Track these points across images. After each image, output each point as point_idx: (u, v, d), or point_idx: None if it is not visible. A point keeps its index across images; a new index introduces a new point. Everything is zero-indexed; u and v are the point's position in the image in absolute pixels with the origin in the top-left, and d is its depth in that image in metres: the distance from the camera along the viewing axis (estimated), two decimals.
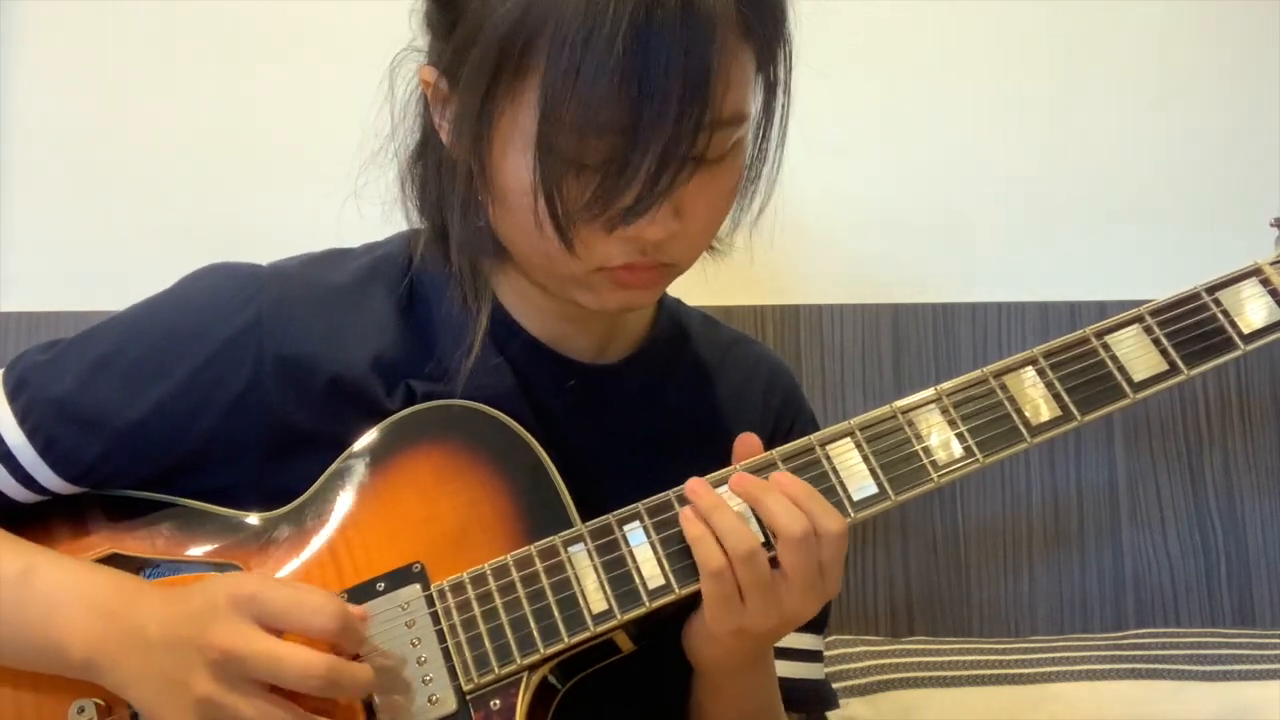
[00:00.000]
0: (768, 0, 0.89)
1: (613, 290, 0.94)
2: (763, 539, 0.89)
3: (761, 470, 0.93)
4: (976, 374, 0.96)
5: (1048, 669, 1.38)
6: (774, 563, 0.88)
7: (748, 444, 0.94)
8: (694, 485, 0.92)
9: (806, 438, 0.95)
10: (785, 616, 0.90)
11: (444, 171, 0.97)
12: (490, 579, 0.93)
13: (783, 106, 0.93)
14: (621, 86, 0.82)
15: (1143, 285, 1.02)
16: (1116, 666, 1.38)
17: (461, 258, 0.99)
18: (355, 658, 0.91)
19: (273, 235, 1.17)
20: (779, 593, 0.89)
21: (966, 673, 1.38)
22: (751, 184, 0.97)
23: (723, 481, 0.93)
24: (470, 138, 0.89)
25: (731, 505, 0.90)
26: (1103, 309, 0.98)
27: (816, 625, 1.11)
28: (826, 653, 1.39)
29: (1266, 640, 1.42)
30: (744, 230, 1.01)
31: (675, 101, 0.83)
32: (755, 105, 0.92)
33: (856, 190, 1.61)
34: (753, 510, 0.90)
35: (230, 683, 0.82)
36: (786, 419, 1.13)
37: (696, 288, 1.08)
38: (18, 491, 0.99)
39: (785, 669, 1.06)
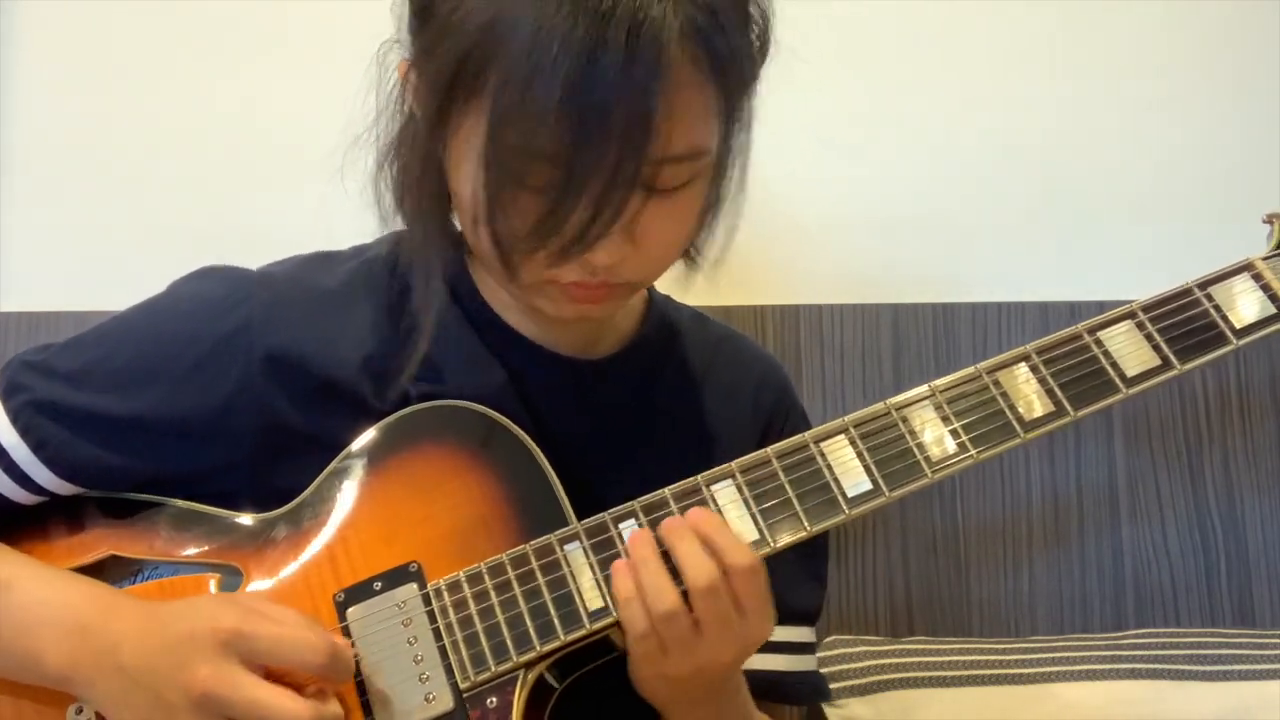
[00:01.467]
0: (725, 35, 0.86)
1: (566, 302, 0.95)
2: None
3: (755, 468, 0.94)
4: (970, 370, 0.96)
5: (1048, 669, 1.38)
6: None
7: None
8: (633, 537, 0.91)
9: (801, 435, 0.95)
10: (700, 662, 0.89)
11: (413, 163, 0.96)
12: (486, 578, 0.93)
13: (740, 150, 0.93)
14: (562, 122, 0.81)
15: (1143, 285, 1.02)
16: (1116, 666, 1.38)
17: (416, 245, 0.98)
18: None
19: (272, 235, 1.17)
20: (695, 642, 0.89)
21: (966, 673, 1.38)
22: (710, 217, 0.96)
23: (717, 479, 0.94)
24: (429, 138, 0.90)
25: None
26: (1102, 309, 0.98)
27: (808, 617, 1.11)
28: (826, 653, 1.40)
29: (1266, 640, 1.41)
30: (710, 256, 1.01)
31: (615, 142, 0.82)
32: (715, 139, 0.90)
33: (856, 190, 1.61)
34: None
35: None
36: (779, 417, 1.13)
37: (697, 287, 1.08)
38: (15, 492, 0.99)
39: (777, 662, 1.07)
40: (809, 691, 1.11)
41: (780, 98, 0.96)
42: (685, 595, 0.88)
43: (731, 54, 0.87)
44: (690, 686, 0.93)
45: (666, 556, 0.89)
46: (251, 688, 0.82)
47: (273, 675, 0.84)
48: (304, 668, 0.84)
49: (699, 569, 0.87)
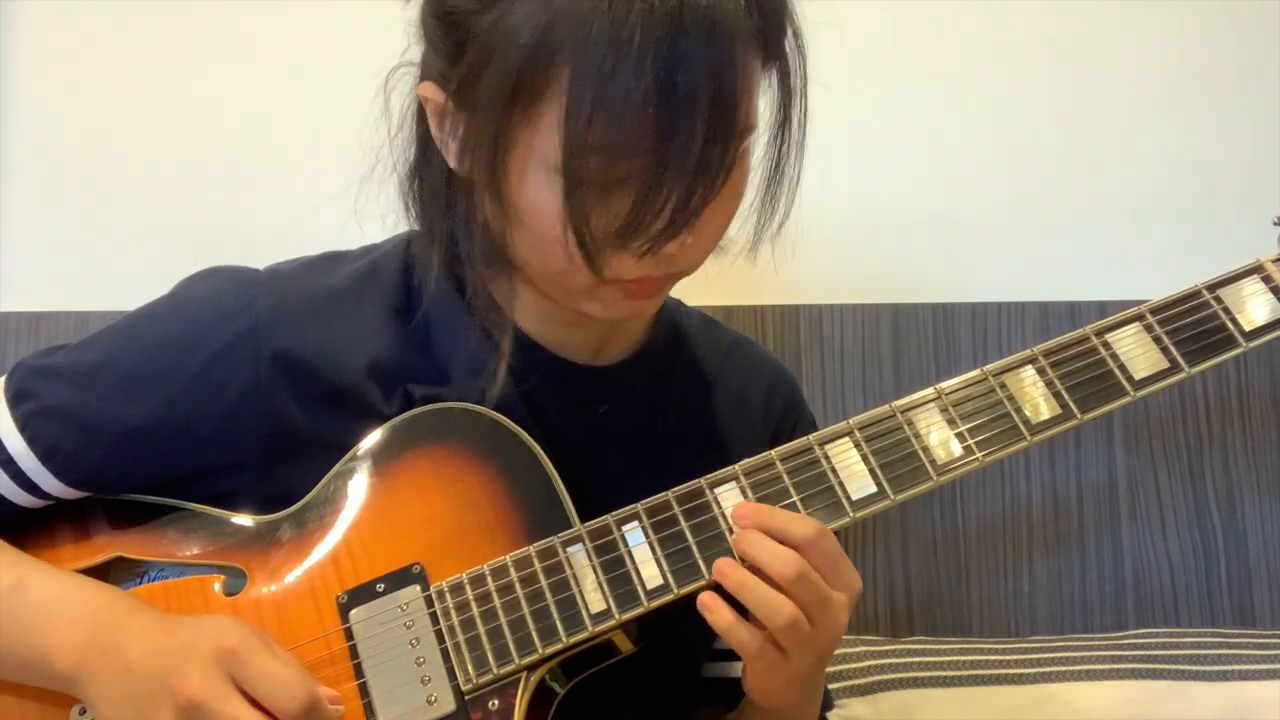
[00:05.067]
0: (780, 14, 0.88)
1: (622, 301, 0.94)
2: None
3: (759, 471, 0.94)
4: (976, 373, 0.96)
5: (1048, 669, 1.38)
6: None
7: None
8: (720, 566, 0.89)
9: (805, 438, 0.95)
10: (820, 646, 0.89)
11: (450, 186, 0.96)
12: (489, 580, 0.93)
13: (799, 118, 0.92)
14: (650, 109, 0.81)
15: (1143, 285, 1.02)
16: (1116, 666, 1.38)
17: (477, 278, 0.98)
18: (355, 662, 0.91)
19: (273, 236, 1.17)
20: (813, 633, 0.88)
21: (966, 673, 1.38)
22: (773, 195, 0.95)
23: (720, 482, 0.93)
24: (486, 160, 0.88)
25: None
26: (1103, 309, 0.98)
27: None
28: None
29: (1266, 640, 1.41)
30: (770, 240, 1.00)
31: (703, 121, 0.82)
32: (768, 116, 0.91)
33: (857, 190, 1.61)
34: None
35: None
36: (788, 422, 1.13)
37: (697, 288, 1.08)
38: (21, 497, 0.99)
39: None
40: None
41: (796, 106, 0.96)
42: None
43: (784, 30, 0.88)
44: (813, 675, 0.94)
45: None
46: (236, 705, 0.82)
47: (259, 705, 0.83)
48: (277, 708, 0.82)
49: (785, 564, 0.87)
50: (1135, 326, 0.96)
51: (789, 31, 0.89)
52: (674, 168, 0.83)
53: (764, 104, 0.91)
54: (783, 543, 0.88)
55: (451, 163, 0.94)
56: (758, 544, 0.88)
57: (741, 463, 0.94)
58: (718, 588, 0.89)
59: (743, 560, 0.89)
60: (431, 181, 0.99)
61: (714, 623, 0.88)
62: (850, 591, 0.90)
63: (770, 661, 0.89)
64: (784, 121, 0.91)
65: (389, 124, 0.99)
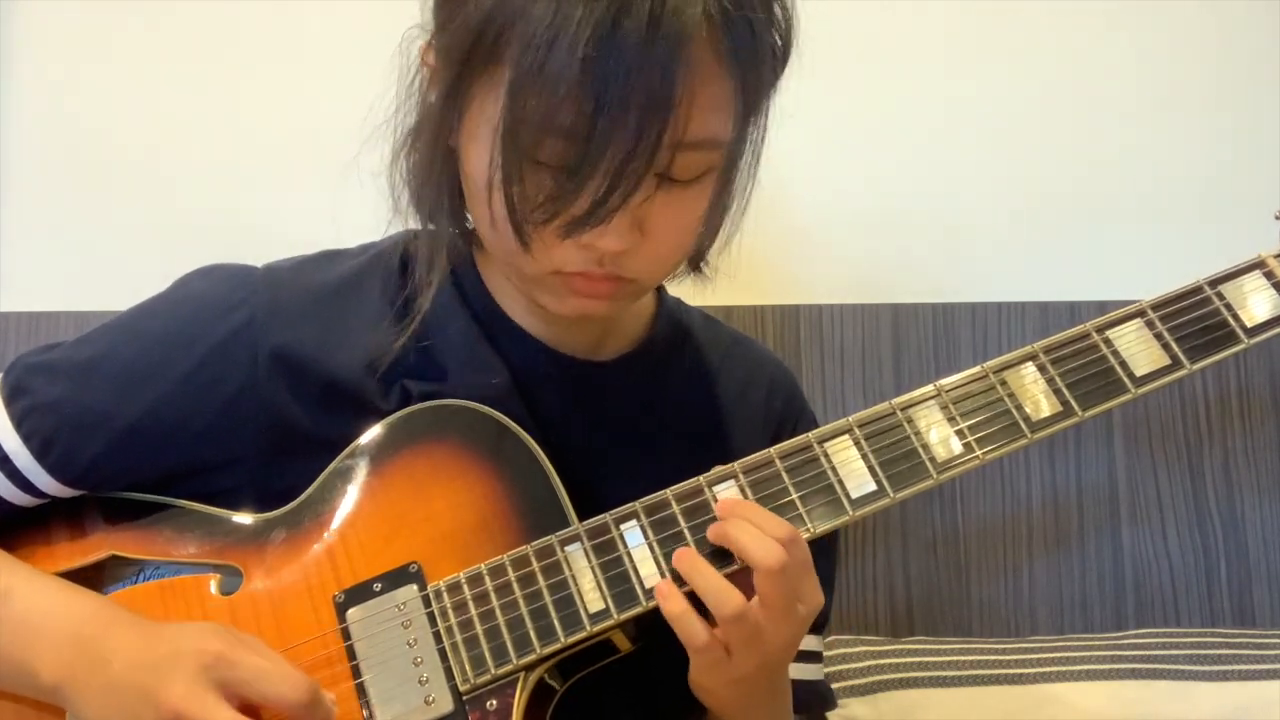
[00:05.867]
0: (750, 29, 0.86)
1: (568, 296, 0.94)
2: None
3: (758, 469, 0.93)
4: (976, 370, 0.95)
5: (1048, 669, 1.38)
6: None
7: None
8: (678, 554, 0.90)
9: (804, 435, 0.94)
10: (769, 648, 0.89)
11: (433, 153, 0.96)
12: (487, 579, 0.93)
13: (754, 140, 0.92)
14: (581, 93, 0.81)
15: (1143, 285, 1.01)
16: (1116, 666, 1.38)
17: (426, 236, 0.98)
18: (352, 662, 0.91)
19: (273, 235, 1.17)
20: (762, 634, 0.88)
21: (966, 673, 1.38)
22: (719, 213, 0.94)
23: (719, 480, 0.93)
24: (443, 119, 0.90)
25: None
26: (1103, 309, 0.98)
27: (816, 626, 1.10)
28: (826, 653, 1.39)
29: (1266, 640, 1.41)
30: (745, 232, 0.99)
31: (634, 115, 0.81)
32: (730, 134, 0.89)
33: (856, 190, 1.61)
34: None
35: None
36: (789, 421, 1.12)
37: (697, 288, 1.08)
38: (16, 495, 0.99)
39: None
40: (815, 701, 1.10)
41: (780, 98, 0.96)
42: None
43: (755, 49, 0.87)
44: (755, 682, 0.93)
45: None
46: (222, 713, 0.81)
47: (248, 711, 0.83)
48: (282, 702, 0.82)
49: (769, 552, 0.86)
50: (1136, 323, 0.95)
51: (761, 45, 0.88)
52: (596, 155, 0.83)
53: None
54: None
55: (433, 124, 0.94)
56: (748, 531, 0.88)
57: (740, 461, 0.94)
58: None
59: (728, 546, 0.89)
60: (421, 149, 0.98)
61: (666, 610, 0.88)
62: (810, 605, 0.89)
63: (714, 659, 0.88)
64: (736, 140, 0.90)
65: (399, 86, 0.98)
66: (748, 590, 0.87)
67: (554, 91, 0.81)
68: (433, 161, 0.95)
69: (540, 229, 0.88)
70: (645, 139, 0.82)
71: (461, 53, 0.86)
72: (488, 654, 0.91)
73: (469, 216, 0.98)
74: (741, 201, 0.95)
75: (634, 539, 0.92)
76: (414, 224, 1.02)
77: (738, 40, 0.85)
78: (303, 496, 0.98)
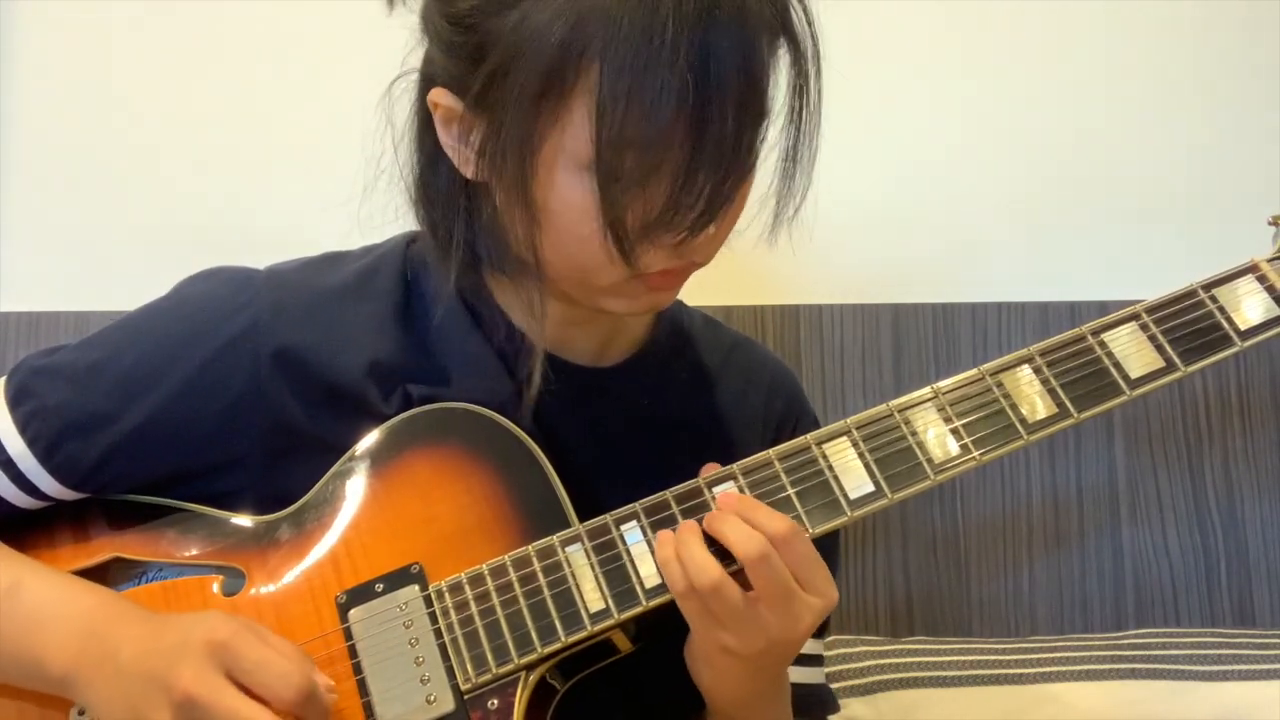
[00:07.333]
0: (805, 9, 0.89)
1: (645, 294, 0.95)
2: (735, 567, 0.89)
3: (757, 470, 0.94)
4: (973, 372, 0.96)
5: (1048, 669, 1.38)
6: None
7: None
8: (662, 535, 0.92)
9: (803, 437, 0.95)
10: (774, 636, 0.89)
11: (464, 192, 0.96)
12: (488, 579, 0.93)
13: (815, 97, 0.92)
14: (686, 101, 0.82)
15: (1143, 285, 1.02)
16: (1116, 666, 1.38)
17: (519, 280, 0.97)
18: (354, 661, 0.92)
19: (273, 237, 1.17)
20: (758, 614, 0.88)
21: (966, 673, 1.38)
22: (790, 176, 0.95)
23: (718, 481, 0.94)
24: (513, 162, 0.88)
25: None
26: (1103, 309, 0.98)
27: (817, 630, 1.10)
28: (826, 653, 1.39)
29: (1266, 640, 1.41)
30: (788, 227, 0.99)
31: (734, 109, 0.83)
32: (781, 104, 0.91)
33: (856, 190, 1.61)
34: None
35: None
36: (789, 422, 1.13)
37: (697, 288, 1.08)
38: (20, 498, 0.99)
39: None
40: (816, 704, 1.10)
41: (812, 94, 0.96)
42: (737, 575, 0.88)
43: (802, 15, 0.89)
44: (758, 674, 0.93)
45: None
46: (232, 698, 0.82)
47: (256, 696, 0.83)
48: (274, 696, 0.83)
49: (748, 541, 0.87)
50: (1131, 326, 0.96)
51: (801, 12, 0.90)
52: (709, 156, 0.84)
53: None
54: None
55: (466, 169, 0.93)
56: (730, 523, 0.89)
57: (740, 462, 0.94)
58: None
59: (717, 539, 0.89)
60: (441, 188, 0.98)
61: (658, 555, 0.90)
62: (824, 599, 0.90)
63: (702, 612, 0.89)
64: (800, 103, 0.91)
65: (393, 133, 0.99)
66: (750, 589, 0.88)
67: (655, 106, 0.81)
68: (466, 200, 0.96)
69: (651, 246, 0.89)
70: (746, 131, 0.85)
71: (529, 95, 0.84)
72: (489, 653, 0.91)
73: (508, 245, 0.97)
74: (811, 156, 0.94)
75: (634, 539, 0.93)
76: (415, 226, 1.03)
77: (786, 9, 0.87)
78: (305, 498, 0.98)
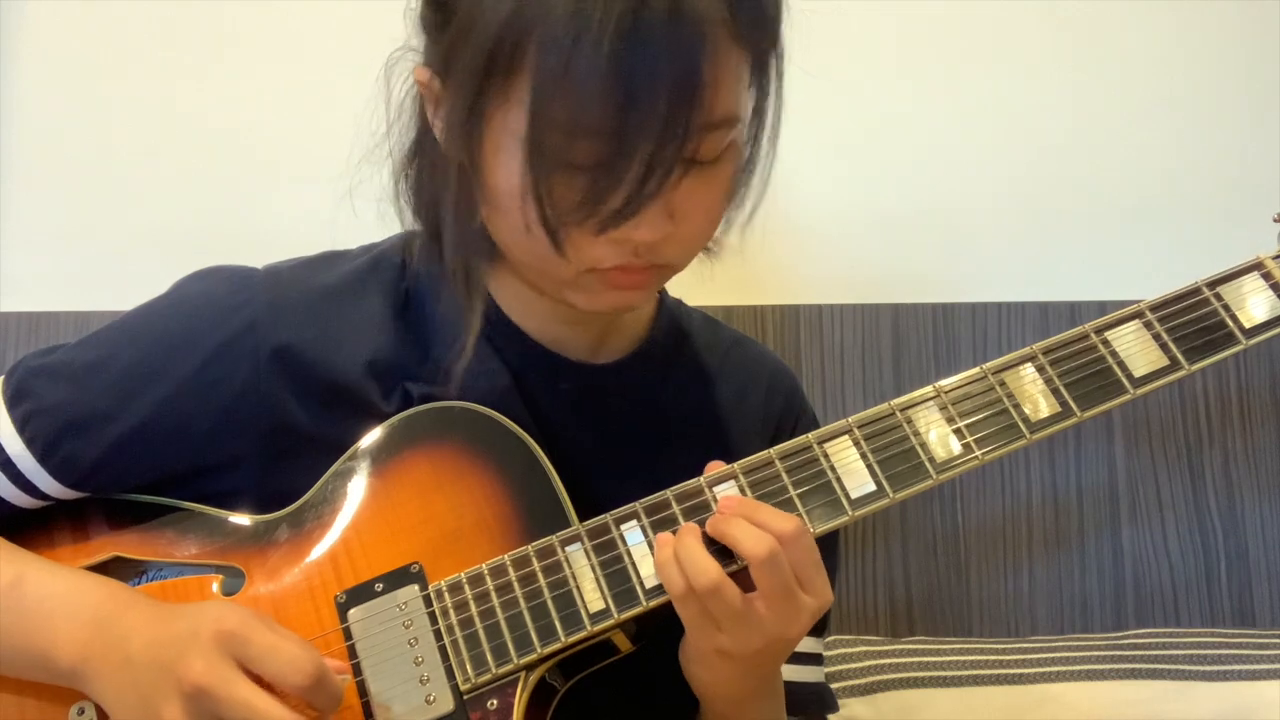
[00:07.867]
0: (760, 5, 0.88)
1: (605, 291, 0.94)
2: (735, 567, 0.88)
3: (758, 469, 0.93)
4: (975, 371, 0.96)
5: (1048, 669, 1.38)
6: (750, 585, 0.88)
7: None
8: (661, 536, 0.91)
9: (804, 436, 0.95)
10: (770, 636, 0.89)
11: (438, 172, 0.96)
12: (488, 579, 0.93)
13: (774, 109, 0.92)
14: (609, 89, 0.81)
15: (1143, 285, 1.02)
16: (1116, 666, 1.38)
17: (455, 258, 0.97)
18: (354, 661, 0.91)
19: (273, 236, 1.17)
20: (756, 614, 0.88)
21: (966, 673, 1.38)
22: (743, 186, 0.95)
23: (719, 481, 0.93)
24: (461, 138, 0.89)
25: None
26: (1103, 309, 0.98)
27: (817, 628, 1.10)
28: (826, 653, 1.39)
29: (1266, 640, 1.41)
30: (740, 231, 0.99)
31: (663, 104, 0.82)
32: (747, 108, 0.91)
33: (856, 190, 1.61)
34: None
35: (200, 718, 0.82)
36: (789, 421, 1.13)
37: (696, 288, 1.08)
38: (19, 498, 0.99)
39: (785, 672, 1.06)
40: (815, 704, 1.10)
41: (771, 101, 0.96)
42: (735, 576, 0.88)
43: (760, 16, 0.88)
44: (751, 673, 0.93)
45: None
46: (243, 687, 0.81)
47: (266, 685, 0.83)
48: (285, 683, 0.82)
49: (757, 542, 0.87)
50: (1135, 324, 0.95)
51: (769, 28, 0.89)
52: (630, 149, 0.83)
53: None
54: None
55: (440, 144, 0.94)
56: (736, 524, 0.88)
57: (740, 461, 0.94)
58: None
59: (722, 541, 0.89)
60: (427, 169, 0.98)
61: (656, 556, 0.90)
62: (819, 600, 0.90)
63: (699, 615, 0.88)
64: (758, 112, 0.91)
65: (388, 112, 0.99)
66: (751, 589, 0.88)
67: (580, 92, 0.81)
68: (437, 179, 0.95)
69: (574, 230, 0.88)
70: (676, 126, 0.83)
71: (479, 71, 0.85)
72: (488, 653, 0.91)
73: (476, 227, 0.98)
74: (765, 173, 0.95)
75: (634, 539, 0.93)
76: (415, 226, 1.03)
77: (751, 16, 0.86)
78: (304, 498, 0.98)
